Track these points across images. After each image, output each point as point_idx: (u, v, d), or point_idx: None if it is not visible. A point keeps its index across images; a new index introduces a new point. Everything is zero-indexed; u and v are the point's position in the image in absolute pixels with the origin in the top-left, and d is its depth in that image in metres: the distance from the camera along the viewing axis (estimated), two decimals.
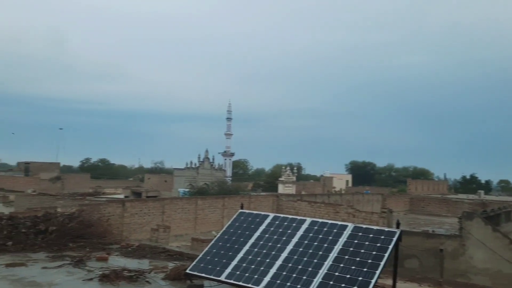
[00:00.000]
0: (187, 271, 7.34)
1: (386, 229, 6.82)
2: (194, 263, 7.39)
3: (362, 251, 6.36)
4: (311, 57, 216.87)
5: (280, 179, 67.67)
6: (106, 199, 33.47)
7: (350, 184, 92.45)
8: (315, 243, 6.83)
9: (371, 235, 6.63)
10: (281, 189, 63.61)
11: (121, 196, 48.40)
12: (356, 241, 6.60)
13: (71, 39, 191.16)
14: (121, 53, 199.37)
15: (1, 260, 10.81)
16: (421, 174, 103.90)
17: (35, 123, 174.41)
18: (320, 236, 6.98)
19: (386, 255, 6.15)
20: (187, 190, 58.15)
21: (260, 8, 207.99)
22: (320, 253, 6.59)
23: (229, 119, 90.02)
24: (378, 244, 6.36)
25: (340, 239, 6.75)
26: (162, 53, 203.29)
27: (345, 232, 6.91)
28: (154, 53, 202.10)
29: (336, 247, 6.61)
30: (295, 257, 6.68)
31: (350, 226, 7.04)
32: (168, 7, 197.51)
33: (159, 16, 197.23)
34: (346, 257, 6.35)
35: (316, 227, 7.23)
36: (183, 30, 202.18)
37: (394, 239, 6.41)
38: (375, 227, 6.91)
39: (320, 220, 7.47)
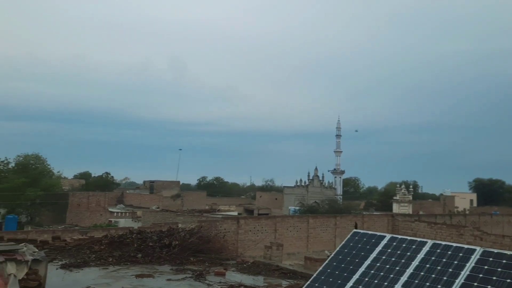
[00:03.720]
0: None
1: None
2: (308, 282, 7.36)
3: (494, 278, 5.77)
4: (423, 69, 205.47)
5: (395, 198, 64.55)
6: (222, 216, 35.00)
7: (474, 204, 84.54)
8: (438, 267, 6.37)
9: (504, 261, 5.98)
10: (396, 208, 60.61)
11: (235, 213, 50.27)
12: (486, 267, 6.01)
13: (191, 66, 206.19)
14: (233, 75, 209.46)
15: (132, 270, 11.89)
16: None
17: (160, 145, 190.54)
18: (444, 260, 6.49)
19: None
20: (297, 208, 58.31)
21: (366, 25, 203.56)
22: (445, 278, 6.12)
23: (338, 136, 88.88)
24: None
25: (467, 265, 6.20)
26: (270, 73, 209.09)
27: (472, 257, 6.34)
28: (263, 73, 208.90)
29: (462, 273, 6.09)
30: (416, 281, 6.29)
31: (479, 250, 6.44)
32: (280, 28, 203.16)
33: (269, 37, 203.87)
34: (475, 284, 5.82)
35: (438, 250, 6.74)
36: (289, 49, 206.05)
37: None
38: (508, 252, 6.23)
39: (443, 243, 6.95)
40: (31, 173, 48.57)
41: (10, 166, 54.54)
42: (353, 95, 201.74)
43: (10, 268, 8.30)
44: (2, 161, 55.13)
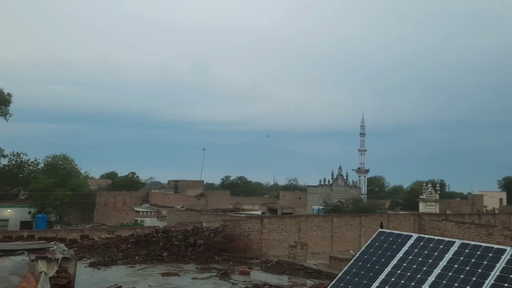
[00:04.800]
0: None
1: None
2: (333, 282, 7.32)
3: None
4: (451, 66, 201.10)
5: (421, 197, 63.43)
6: (246, 215, 35.11)
7: (504, 203, 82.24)
8: (467, 268, 6.24)
9: None
10: (422, 207, 59.56)
11: (258, 213, 50.33)
12: None
13: (215, 66, 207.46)
14: (257, 75, 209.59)
15: (158, 269, 12.06)
16: None
17: (184, 144, 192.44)
18: (473, 260, 6.35)
19: None
20: (321, 207, 57.97)
21: (391, 22, 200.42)
22: (474, 279, 5.99)
23: (362, 134, 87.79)
24: None
25: (497, 265, 6.06)
26: (292, 71, 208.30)
27: (503, 257, 6.19)
28: (286, 71, 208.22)
29: (492, 273, 5.95)
30: (444, 282, 6.18)
31: (509, 250, 6.28)
32: (302, 27, 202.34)
33: (290, 35, 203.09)
34: (506, 285, 5.67)
35: (467, 250, 6.61)
36: (313, 47, 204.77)
37: None
38: None
39: (472, 243, 6.81)
40: (59, 173, 49.77)
41: (39, 166, 56.10)
42: (378, 93, 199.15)
43: (41, 265, 8.54)
44: (32, 162, 56.79)
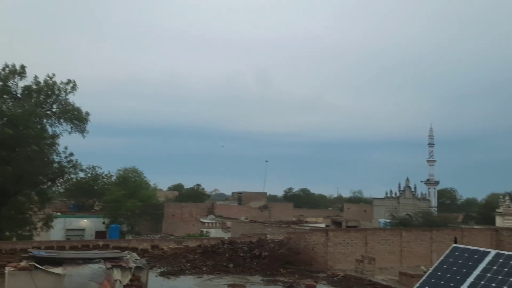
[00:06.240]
0: None
1: None
2: None
3: None
4: None
5: (498, 210, 59.31)
6: (310, 227, 34.75)
7: None
8: None
9: None
10: (499, 222, 55.67)
11: (322, 225, 49.61)
12: None
13: (276, 78, 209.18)
14: (318, 85, 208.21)
15: (224, 280, 12.26)
16: None
17: (246, 156, 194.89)
18: None
19: None
20: (388, 220, 56.02)
21: (458, 22, 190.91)
22: None
23: (431, 144, 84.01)
24: None
25: None
26: (355, 80, 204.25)
27: None
28: (348, 81, 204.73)
29: None
30: None
31: None
32: (362, 34, 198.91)
33: (351, 44, 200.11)
34: None
35: None
36: (374, 54, 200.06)
37: None
38: None
39: None
40: (130, 185, 52.31)
41: (112, 179, 59.36)
42: (447, 101, 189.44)
43: (116, 274, 9.01)
44: (106, 175, 60.28)
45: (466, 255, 7.39)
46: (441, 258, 7.72)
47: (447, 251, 7.72)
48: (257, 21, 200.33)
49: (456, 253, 7.55)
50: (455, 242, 7.87)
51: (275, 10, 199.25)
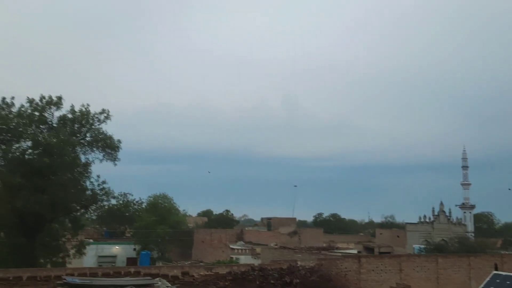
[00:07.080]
0: None
1: None
2: None
3: None
4: None
5: None
6: (341, 254, 34.02)
7: None
8: None
9: None
10: None
11: (354, 251, 48.47)
12: None
13: (304, 101, 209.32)
14: (347, 108, 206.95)
15: None
16: None
17: (274, 181, 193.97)
18: None
19: None
20: (422, 246, 54.26)
21: (492, 40, 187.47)
22: None
23: (465, 167, 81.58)
24: None
25: None
26: (385, 103, 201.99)
27: None
28: (377, 103, 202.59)
29: None
30: None
31: None
32: (390, 55, 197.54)
33: (379, 65, 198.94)
34: None
35: None
36: (404, 76, 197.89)
37: None
38: None
39: None
40: (160, 212, 52.80)
41: (143, 206, 60.12)
42: (479, 123, 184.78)
43: None
44: (137, 202, 61.13)
45: (508, 282, 7.08)
46: (482, 285, 7.43)
47: (488, 278, 7.42)
48: (282, 43, 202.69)
49: (498, 281, 7.25)
50: (496, 269, 7.59)
51: (302, 37, 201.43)
